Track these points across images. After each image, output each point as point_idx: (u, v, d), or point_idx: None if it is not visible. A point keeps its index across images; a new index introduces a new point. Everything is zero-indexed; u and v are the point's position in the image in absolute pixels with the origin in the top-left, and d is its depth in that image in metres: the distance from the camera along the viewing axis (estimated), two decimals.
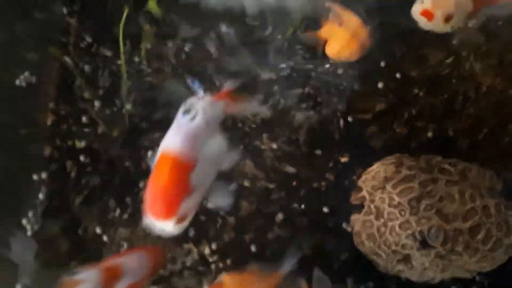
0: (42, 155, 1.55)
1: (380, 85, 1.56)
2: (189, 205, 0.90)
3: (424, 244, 1.29)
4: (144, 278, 1.05)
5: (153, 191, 0.88)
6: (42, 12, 1.64)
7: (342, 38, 1.29)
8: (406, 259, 1.34)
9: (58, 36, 1.61)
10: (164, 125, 1.57)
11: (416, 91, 1.57)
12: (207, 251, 1.50)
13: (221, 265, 1.48)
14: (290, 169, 1.55)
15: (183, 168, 0.89)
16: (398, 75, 1.56)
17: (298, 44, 1.61)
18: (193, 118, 0.95)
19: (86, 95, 1.59)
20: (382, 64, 1.58)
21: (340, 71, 1.59)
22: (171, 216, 0.87)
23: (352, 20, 1.28)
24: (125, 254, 1.09)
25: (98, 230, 1.51)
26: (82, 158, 1.55)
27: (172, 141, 0.93)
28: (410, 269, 1.35)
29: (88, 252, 1.50)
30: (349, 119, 1.55)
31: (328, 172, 1.53)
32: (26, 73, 1.55)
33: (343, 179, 1.52)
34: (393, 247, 1.32)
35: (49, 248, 1.51)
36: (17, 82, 1.55)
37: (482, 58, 1.56)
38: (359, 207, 1.41)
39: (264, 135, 1.56)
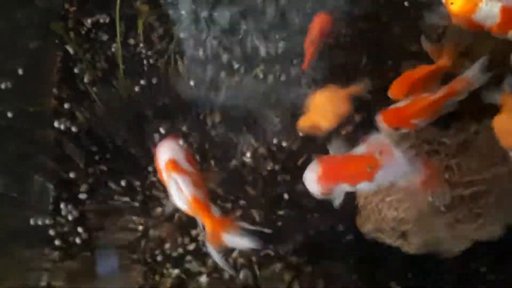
0: (48, 141, 1.55)
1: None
2: None
3: None
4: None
5: None
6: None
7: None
8: (404, 235, 1.32)
9: (58, 22, 1.59)
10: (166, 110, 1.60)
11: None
12: None
13: None
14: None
15: None
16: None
17: None
18: None
19: (87, 79, 1.58)
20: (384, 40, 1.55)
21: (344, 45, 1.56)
22: None
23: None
24: None
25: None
26: (86, 142, 1.55)
27: None
28: (409, 245, 1.33)
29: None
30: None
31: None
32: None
33: None
34: (391, 224, 1.30)
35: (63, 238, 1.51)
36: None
37: None
38: None
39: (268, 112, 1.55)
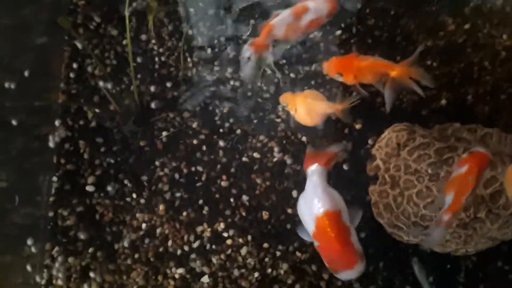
0: (55, 136, 1.51)
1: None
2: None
3: None
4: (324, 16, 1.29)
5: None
6: None
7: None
8: (427, 231, 1.24)
9: (66, 17, 1.53)
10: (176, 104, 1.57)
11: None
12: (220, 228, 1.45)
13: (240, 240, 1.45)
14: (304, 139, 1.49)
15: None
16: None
17: None
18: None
19: (96, 74, 1.55)
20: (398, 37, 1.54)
21: (352, 41, 1.54)
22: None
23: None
24: None
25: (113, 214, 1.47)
26: (94, 137, 1.51)
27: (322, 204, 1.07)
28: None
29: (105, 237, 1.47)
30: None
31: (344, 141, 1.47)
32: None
33: (358, 149, 1.46)
34: (413, 219, 1.24)
35: (65, 235, 1.47)
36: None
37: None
38: (375, 178, 1.33)
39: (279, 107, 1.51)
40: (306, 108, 1.27)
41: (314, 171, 1.17)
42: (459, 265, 1.38)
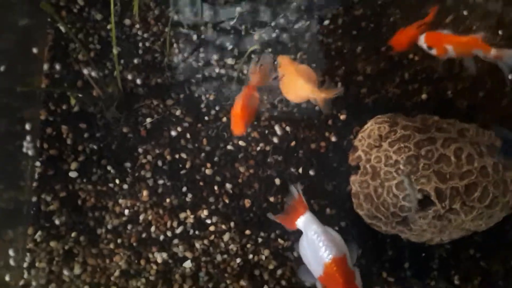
0: (38, 119, 1.49)
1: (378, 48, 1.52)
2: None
3: (423, 204, 1.24)
4: None
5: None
6: None
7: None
8: (405, 221, 1.29)
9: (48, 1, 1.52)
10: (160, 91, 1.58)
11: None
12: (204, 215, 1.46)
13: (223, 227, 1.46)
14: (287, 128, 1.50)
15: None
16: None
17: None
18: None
19: (80, 58, 1.52)
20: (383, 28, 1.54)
21: (339, 31, 1.55)
22: None
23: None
24: None
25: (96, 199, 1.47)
26: (77, 123, 1.49)
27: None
28: (409, 231, 1.30)
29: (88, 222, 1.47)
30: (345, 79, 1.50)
31: (328, 131, 1.50)
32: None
33: (342, 139, 1.48)
34: (392, 209, 1.27)
35: (48, 219, 1.46)
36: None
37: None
38: (357, 168, 1.35)
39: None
40: (290, 83, 1.25)
41: (307, 221, 1.18)
42: (433, 254, 1.43)
